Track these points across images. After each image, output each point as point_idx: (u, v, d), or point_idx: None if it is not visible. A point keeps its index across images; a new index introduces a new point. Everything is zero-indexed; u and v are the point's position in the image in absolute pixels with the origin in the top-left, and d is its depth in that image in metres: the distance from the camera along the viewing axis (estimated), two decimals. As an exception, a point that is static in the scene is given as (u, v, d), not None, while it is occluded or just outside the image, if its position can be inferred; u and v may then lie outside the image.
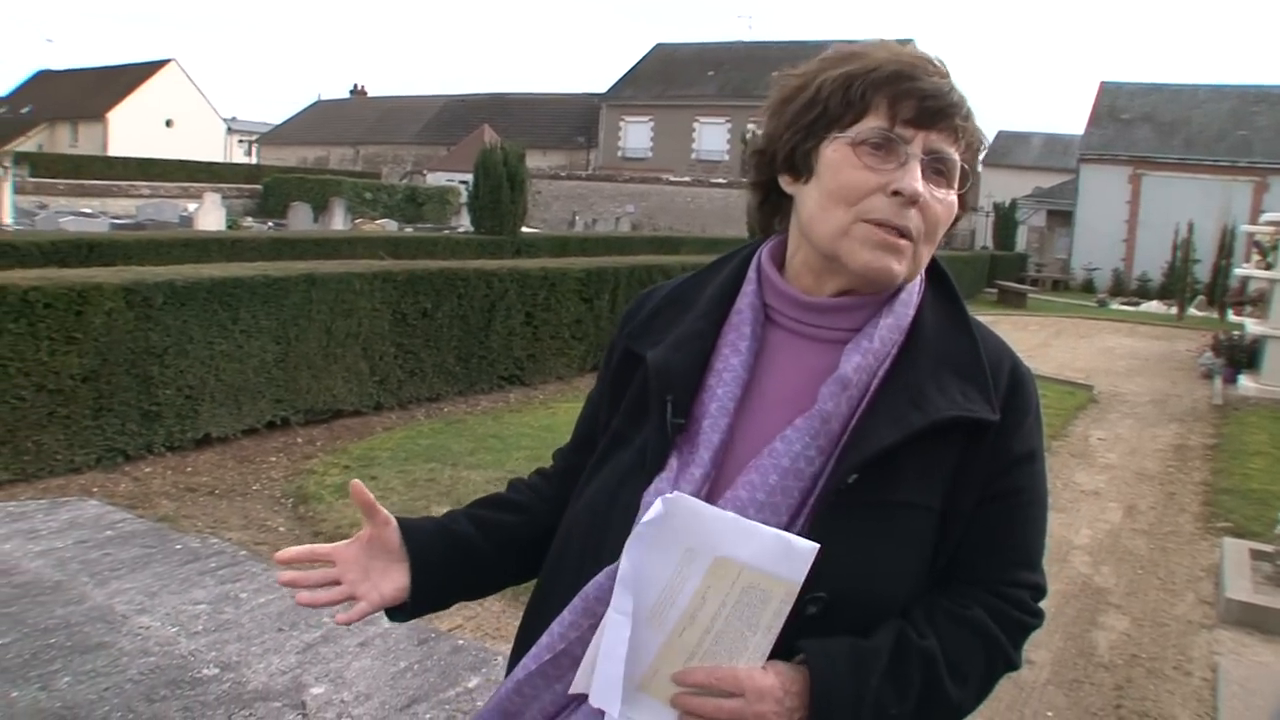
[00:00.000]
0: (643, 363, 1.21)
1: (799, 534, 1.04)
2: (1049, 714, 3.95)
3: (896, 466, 1.09)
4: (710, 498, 1.10)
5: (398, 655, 2.99)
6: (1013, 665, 1.20)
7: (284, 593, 3.31)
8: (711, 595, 1.01)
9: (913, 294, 1.20)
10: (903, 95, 1.12)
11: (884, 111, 1.12)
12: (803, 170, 1.18)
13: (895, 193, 1.10)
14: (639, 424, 1.20)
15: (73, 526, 3.92)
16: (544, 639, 1.15)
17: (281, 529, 5.42)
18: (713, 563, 1.01)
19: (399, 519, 1.32)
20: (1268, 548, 5.54)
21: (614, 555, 1.08)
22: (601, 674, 1.03)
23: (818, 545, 1.01)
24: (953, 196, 1.16)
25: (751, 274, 1.24)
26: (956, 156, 1.15)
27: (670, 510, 1.02)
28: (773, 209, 1.28)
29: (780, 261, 1.25)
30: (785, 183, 1.22)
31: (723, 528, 1.02)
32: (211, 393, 6.68)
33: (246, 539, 5.16)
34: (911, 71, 1.13)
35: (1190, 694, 4.21)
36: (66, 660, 2.83)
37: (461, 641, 3.31)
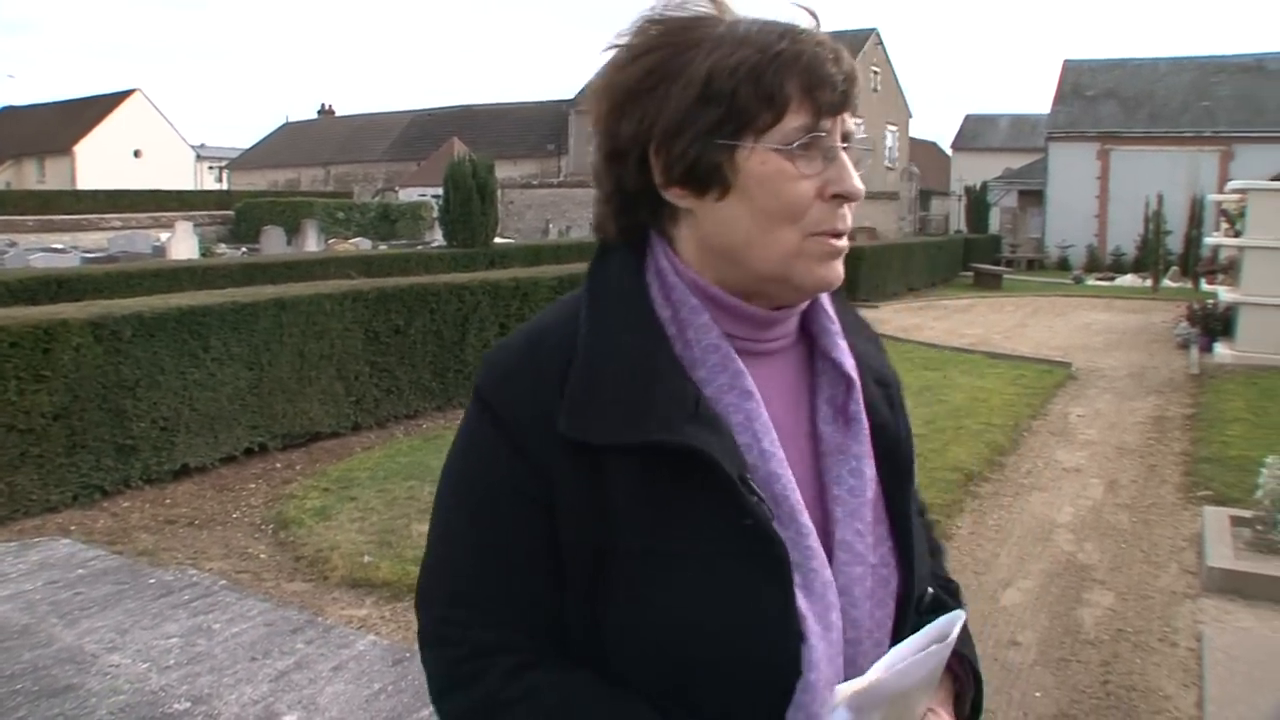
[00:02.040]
0: (634, 457, 0.94)
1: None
2: (1037, 694, 3.95)
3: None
4: (829, 553, 1.01)
5: (371, 678, 2.96)
6: None
7: (257, 621, 3.28)
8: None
9: None
10: (819, 82, 0.97)
11: (805, 105, 0.97)
12: (710, 184, 0.98)
13: (835, 195, 0.99)
14: (691, 523, 0.95)
15: (43, 567, 3.88)
16: None
17: (263, 556, 5.39)
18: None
19: None
20: (1247, 513, 5.57)
21: (788, 676, 0.94)
22: None
23: (962, 613, 1.02)
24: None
25: (692, 301, 1.01)
26: (855, 129, 1.03)
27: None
28: (639, 218, 1.05)
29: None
30: (675, 196, 1.01)
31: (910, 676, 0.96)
32: (186, 423, 6.63)
33: (228, 568, 5.12)
34: (817, 49, 0.98)
35: (1176, 664, 4.22)
36: (33, 705, 2.80)
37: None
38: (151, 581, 3.79)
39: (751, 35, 0.98)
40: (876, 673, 0.94)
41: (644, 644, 0.94)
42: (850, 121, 1.01)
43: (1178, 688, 4.03)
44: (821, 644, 0.95)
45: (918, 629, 1.00)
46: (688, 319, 1.00)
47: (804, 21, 1.02)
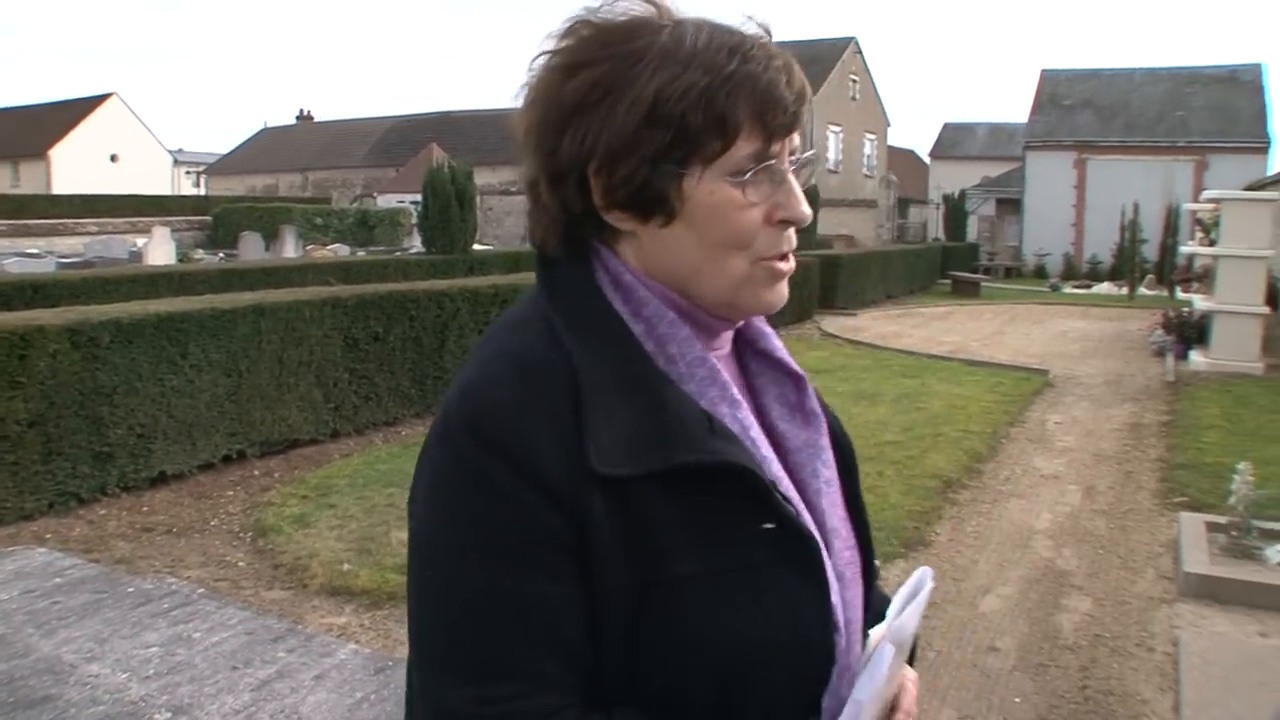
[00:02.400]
0: (665, 483, 0.91)
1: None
2: (1017, 700, 3.97)
3: None
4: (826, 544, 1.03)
5: (354, 686, 2.95)
6: None
7: (238, 630, 3.26)
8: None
9: None
10: (770, 106, 0.94)
11: (755, 131, 0.94)
12: (655, 210, 0.95)
13: (783, 221, 0.98)
14: (733, 537, 0.93)
15: (19, 577, 3.84)
16: None
17: (241, 564, 5.35)
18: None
19: None
20: (1222, 519, 5.62)
21: (828, 666, 0.98)
22: None
23: (930, 569, 1.07)
24: None
25: (670, 316, 0.98)
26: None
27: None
28: (582, 235, 1.01)
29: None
30: (616, 219, 0.97)
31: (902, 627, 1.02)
32: (164, 430, 6.59)
33: (206, 576, 5.09)
34: (770, 71, 0.95)
35: (1154, 669, 4.26)
36: (10, 717, 2.78)
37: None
38: (130, 590, 3.76)
39: (699, 51, 0.93)
40: (891, 619, 1.01)
41: (692, 666, 0.91)
42: (796, 138, 0.99)
43: (1155, 692, 4.06)
44: (846, 631, 0.99)
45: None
46: (667, 334, 0.98)
47: (751, 29, 0.98)
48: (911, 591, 1.03)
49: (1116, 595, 5.09)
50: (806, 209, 0.99)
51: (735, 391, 0.99)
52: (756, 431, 0.99)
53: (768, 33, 0.99)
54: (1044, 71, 37.01)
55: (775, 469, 0.99)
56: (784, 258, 0.99)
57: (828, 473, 1.07)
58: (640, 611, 0.90)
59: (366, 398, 8.30)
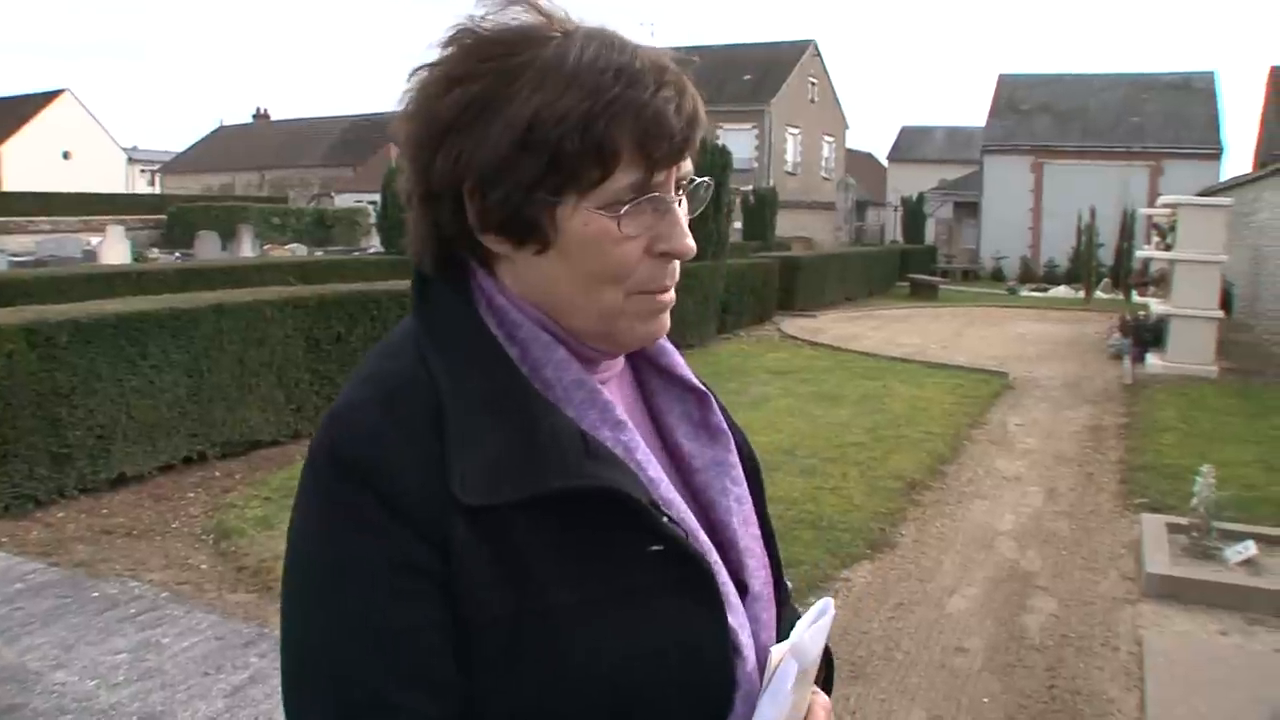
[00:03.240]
0: (537, 509, 0.86)
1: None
2: (985, 700, 4.01)
3: None
4: (738, 563, 1.01)
5: (329, 692, 2.92)
6: None
7: (208, 635, 3.21)
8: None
9: None
10: (655, 135, 0.88)
11: (637, 160, 0.88)
12: (528, 238, 0.91)
13: (665, 253, 0.93)
14: (613, 564, 0.89)
15: (-21, 581, 3.77)
16: None
17: (204, 566, 5.28)
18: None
19: None
20: (1183, 520, 5.71)
21: (729, 692, 0.93)
22: None
23: (831, 599, 1.03)
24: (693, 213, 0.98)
25: (544, 338, 0.94)
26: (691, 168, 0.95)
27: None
28: (458, 254, 0.96)
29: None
30: (491, 241, 0.93)
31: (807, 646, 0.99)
32: (124, 431, 6.48)
33: (168, 579, 5.01)
34: (652, 91, 0.88)
35: (1119, 669, 4.31)
36: (-24, 725, 2.71)
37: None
38: (95, 595, 3.70)
39: (581, 72, 0.87)
40: (793, 638, 0.96)
41: (577, 699, 0.86)
42: (688, 164, 0.93)
43: (1121, 691, 4.11)
44: (749, 653, 0.95)
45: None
46: (541, 357, 0.93)
47: (642, 41, 0.93)
48: (816, 615, 1.00)
49: (1081, 596, 5.15)
50: (689, 242, 0.93)
51: (618, 413, 0.95)
52: (644, 453, 0.94)
53: (672, 60, 0.93)
54: (1002, 76, 37.48)
55: (665, 490, 0.94)
56: (664, 290, 0.95)
57: (738, 490, 1.04)
58: (517, 644, 0.85)
59: (328, 398, 8.21)
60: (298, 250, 23.37)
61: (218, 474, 7.00)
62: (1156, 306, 13.88)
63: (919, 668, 4.28)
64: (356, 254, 19.97)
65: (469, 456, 0.85)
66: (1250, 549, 5.40)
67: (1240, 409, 10.16)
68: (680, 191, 0.94)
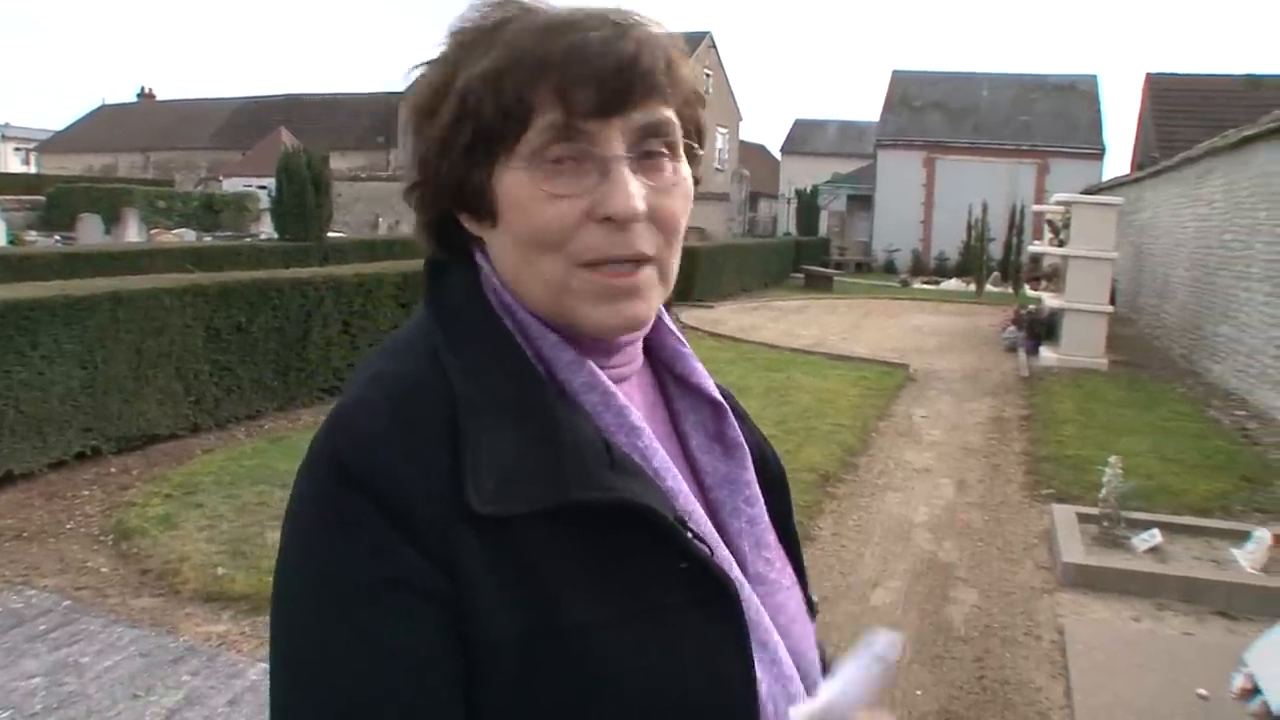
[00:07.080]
0: (556, 522, 0.81)
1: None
2: (918, 692, 4.04)
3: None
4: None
5: (266, 706, 2.76)
6: None
7: (132, 651, 3.01)
8: None
9: None
10: (572, 82, 0.81)
11: (555, 111, 0.82)
12: (481, 212, 0.87)
13: (606, 218, 0.83)
14: (635, 581, 0.83)
15: None
16: None
17: (104, 569, 5.01)
18: None
19: None
20: (1093, 510, 5.86)
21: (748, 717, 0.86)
22: None
23: (900, 635, 0.97)
24: (685, 172, 0.89)
25: (551, 337, 0.88)
26: (672, 117, 0.86)
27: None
28: (457, 240, 0.93)
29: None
30: (468, 223, 0.90)
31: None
32: (11, 426, 6.12)
33: (65, 584, 4.74)
34: (573, 41, 0.82)
35: (1043, 657, 4.40)
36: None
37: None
38: (-4, 607, 3.44)
39: (514, 36, 0.84)
40: (828, 694, 0.90)
41: None
42: (649, 115, 0.84)
43: (1047, 679, 4.19)
44: (768, 677, 0.88)
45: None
46: (551, 356, 0.87)
47: (605, 4, 0.87)
48: (877, 654, 0.92)
49: (1000, 586, 5.25)
50: (631, 203, 0.82)
51: (634, 418, 0.88)
52: (661, 460, 0.88)
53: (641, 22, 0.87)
54: (895, 72, 38.24)
55: (686, 501, 0.88)
56: (621, 263, 0.84)
57: (751, 511, 0.97)
58: (532, 666, 0.78)
59: (229, 390, 7.92)
60: (186, 235, 22.58)
61: (114, 470, 6.68)
62: (1049, 300, 14.29)
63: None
64: (249, 240, 19.34)
65: (484, 461, 0.79)
66: (1156, 537, 5.58)
67: (1132, 401, 10.51)
68: (651, 153, 0.85)
